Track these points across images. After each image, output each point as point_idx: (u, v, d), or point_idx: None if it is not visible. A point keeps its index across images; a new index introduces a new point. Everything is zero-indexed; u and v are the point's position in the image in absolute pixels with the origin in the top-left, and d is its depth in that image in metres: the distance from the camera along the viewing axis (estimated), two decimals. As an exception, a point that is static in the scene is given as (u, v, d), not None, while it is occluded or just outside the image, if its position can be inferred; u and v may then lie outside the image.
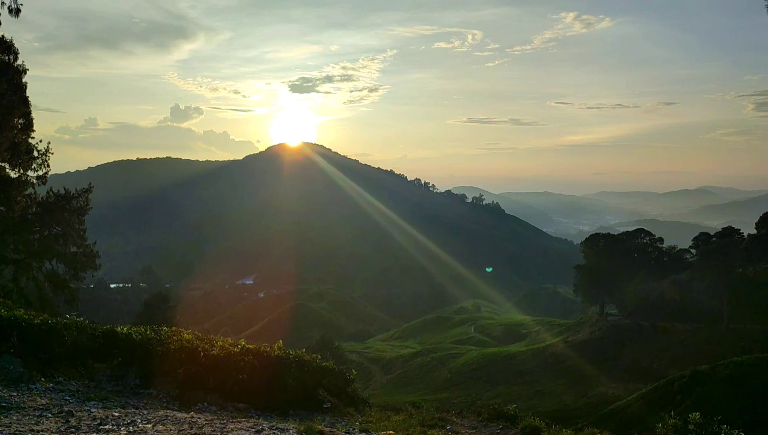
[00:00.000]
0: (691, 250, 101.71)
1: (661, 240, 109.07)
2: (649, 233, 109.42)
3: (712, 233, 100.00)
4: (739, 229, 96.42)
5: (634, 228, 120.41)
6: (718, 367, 55.64)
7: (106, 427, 8.27)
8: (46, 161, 31.53)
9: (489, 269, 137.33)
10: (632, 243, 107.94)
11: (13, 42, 27.86)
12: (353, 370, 15.25)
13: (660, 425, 9.96)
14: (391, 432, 10.17)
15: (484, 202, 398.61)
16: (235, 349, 12.74)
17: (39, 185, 32.43)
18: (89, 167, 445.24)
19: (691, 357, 75.64)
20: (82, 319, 13.66)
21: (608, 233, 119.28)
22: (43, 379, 10.87)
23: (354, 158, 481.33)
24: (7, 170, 30.22)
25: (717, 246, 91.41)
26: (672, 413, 10.33)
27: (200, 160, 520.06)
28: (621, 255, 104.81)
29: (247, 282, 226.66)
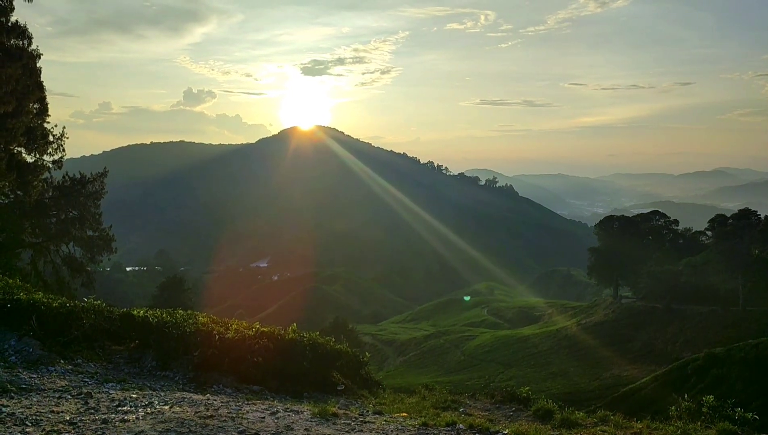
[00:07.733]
0: (707, 233, 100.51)
1: (676, 222, 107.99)
2: (664, 215, 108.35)
3: (728, 215, 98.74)
4: (756, 211, 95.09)
5: (648, 210, 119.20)
6: (733, 350, 55.24)
7: (125, 408, 8.40)
8: (62, 146, 31.67)
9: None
10: (647, 225, 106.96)
11: (27, 27, 27.87)
12: (367, 353, 15.34)
13: (673, 408, 9.92)
14: (404, 414, 10.23)
15: (497, 185, 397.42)
16: (250, 332, 12.86)
17: (55, 170, 32.64)
18: (104, 151, 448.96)
19: (705, 339, 75.25)
20: (99, 302, 13.82)
21: (623, 215, 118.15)
22: (62, 361, 11.05)
23: (366, 141, 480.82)
24: (24, 155, 30.46)
25: (733, 228, 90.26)
26: (686, 396, 10.29)
27: (213, 143, 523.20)
28: (635, 237, 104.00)
29: (261, 265, 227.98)
